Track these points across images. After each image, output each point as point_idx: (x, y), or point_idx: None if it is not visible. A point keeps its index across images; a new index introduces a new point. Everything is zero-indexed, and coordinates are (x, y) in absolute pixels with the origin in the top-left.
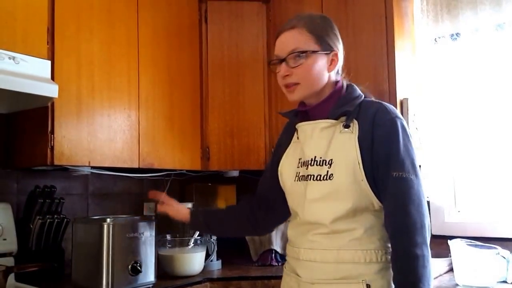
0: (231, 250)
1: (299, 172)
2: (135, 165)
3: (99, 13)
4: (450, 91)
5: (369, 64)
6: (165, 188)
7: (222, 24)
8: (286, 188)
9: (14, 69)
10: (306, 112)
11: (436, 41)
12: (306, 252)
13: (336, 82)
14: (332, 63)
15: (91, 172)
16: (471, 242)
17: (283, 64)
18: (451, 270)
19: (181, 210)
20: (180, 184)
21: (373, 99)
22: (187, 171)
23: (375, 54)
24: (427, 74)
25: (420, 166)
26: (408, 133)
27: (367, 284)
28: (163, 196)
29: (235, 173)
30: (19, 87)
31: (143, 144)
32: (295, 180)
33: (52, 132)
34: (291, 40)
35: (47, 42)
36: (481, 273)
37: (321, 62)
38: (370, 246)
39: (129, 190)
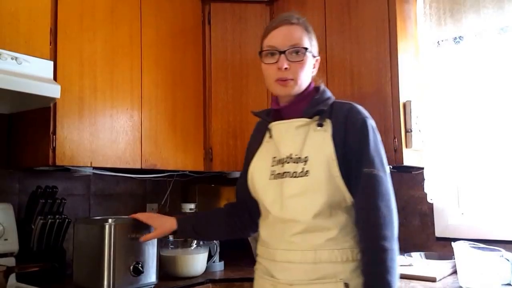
0: (233, 251)
1: (275, 170)
2: (138, 166)
3: (102, 14)
4: (453, 93)
5: (372, 66)
6: (168, 189)
7: (225, 25)
8: (259, 186)
9: (17, 70)
10: (278, 111)
11: (439, 44)
12: (284, 253)
13: (310, 83)
14: (314, 67)
15: (93, 173)
16: (474, 244)
17: (283, 57)
18: (454, 272)
19: (166, 221)
20: (182, 185)
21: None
22: (189, 172)
23: (378, 57)
24: (430, 76)
25: (424, 168)
26: (377, 133)
27: (345, 283)
28: (143, 216)
29: (238, 174)
30: (21, 87)
31: (145, 145)
32: (270, 179)
33: (54, 132)
34: (293, 34)
35: (50, 43)
36: (485, 275)
37: (311, 63)
38: (345, 245)
39: (131, 191)
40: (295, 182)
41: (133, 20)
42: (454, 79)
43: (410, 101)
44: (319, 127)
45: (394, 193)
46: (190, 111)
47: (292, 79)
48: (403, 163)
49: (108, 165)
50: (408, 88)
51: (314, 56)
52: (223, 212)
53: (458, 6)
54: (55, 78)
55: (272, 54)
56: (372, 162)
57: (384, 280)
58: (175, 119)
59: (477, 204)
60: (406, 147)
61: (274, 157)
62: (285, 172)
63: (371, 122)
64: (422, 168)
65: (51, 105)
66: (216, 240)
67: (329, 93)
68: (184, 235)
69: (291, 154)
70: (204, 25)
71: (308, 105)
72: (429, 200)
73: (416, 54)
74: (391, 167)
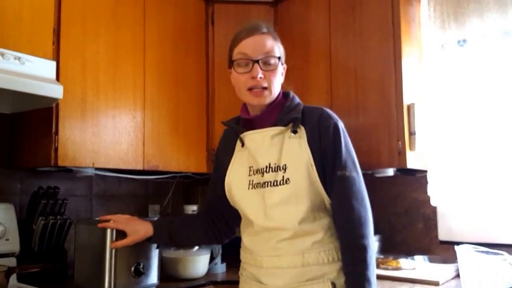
0: (236, 254)
1: (253, 180)
2: (140, 167)
3: (106, 14)
4: (457, 97)
5: (376, 69)
6: (170, 190)
7: (229, 26)
8: (239, 197)
9: (19, 70)
10: (249, 120)
11: (443, 47)
12: (271, 260)
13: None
14: (282, 74)
15: (95, 174)
16: (478, 248)
17: (256, 65)
18: (457, 276)
19: (140, 228)
20: (185, 186)
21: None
22: (192, 173)
23: (382, 60)
24: (434, 79)
25: (427, 171)
26: (347, 135)
27: (332, 282)
28: (115, 217)
29: None
30: (23, 87)
31: (148, 146)
32: (249, 188)
33: (57, 133)
34: (265, 43)
35: (53, 43)
36: (488, 279)
37: (280, 72)
38: (330, 246)
39: (133, 192)
40: (277, 190)
41: (136, 20)
42: (458, 81)
43: (414, 103)
44: (294, 134)
45: (367, 192)
46: (193, 112)
47: (266, 88)
48: (406, 166)
49: (110, 166)
50: (412, 90)
51: (282, 64)
52: (199, 219)
53: (462, 10)
54: (57, 79)
55: (245, 64)
56: (344, 165)
57: (365, 276)
58: (177, 120)
59: (481, 208)
60: (410, 149)
61: (251, 167)
62: (265, 182)
63: (341, 125)
64: (426, 171)
65: (54, 105)
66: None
67: (298, 99)
68: (158, 242)
69: (269, 164)
70: (207, 25)
71: (280, 113)
72: (432, 203)
73: (420, 57)
74: (395, 169)
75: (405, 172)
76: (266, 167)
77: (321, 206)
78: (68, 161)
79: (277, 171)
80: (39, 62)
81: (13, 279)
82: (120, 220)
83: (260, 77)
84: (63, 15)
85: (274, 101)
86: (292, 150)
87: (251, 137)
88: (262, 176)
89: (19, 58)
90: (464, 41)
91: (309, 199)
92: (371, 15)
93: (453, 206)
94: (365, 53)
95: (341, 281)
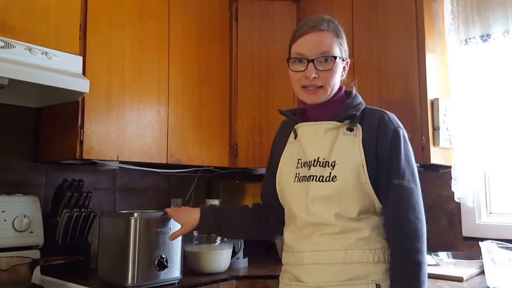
0: (258, 249)
1: (299, 173)
2: (163, 161)
3: (131, 10)
4: (481, 91)
5: (399, 64)
6: (192, 184)
7: (253, 22)
8: (285, 189)
9: (47, 64)
10: (305, 112)
11: (466, 42)
12: (312, 255)
13: (340, 87)
14: (344, 70)
15: (119, 167)
16: (502, 244)
17: (311, 65)
18: (482, 272)
19: (191, 216)
20: (207, 180)
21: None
22: (214, 167)
23: (406, 55)
24: (458, 74)
25: (451, 166)
26: (409, 143)
27: (376, 284)
28: (170, 212)
29: (263, 171)
30: (51, 81)
31: (171, 140)
32: (294, 181)
33: (82, 126)
34: (323, 42)
35: (79, 38)
36: None
37: (340, 68)
38: (377, 245)
39: (156, 186)
40: (321, 186)
41: (161, 16)
42: (482, 76)
43: (438, 98)
44: (349, 132)
45: (424, 205)
46: (216, 107)
47: (321, 86)
48: (430, 161)
49: (135, 160)
50: (436, 85)
51: (343, 60)
52: (250, 209)
53: (485, 4)
54: (84, 73)
55: (300, 61)
56: (402, 174)
57: None
58: (201, 114)
59: (506, 204)
60: (434, 145)
61: (299, 159)
62: (311, 176)
63: (403, 132)
64: (450, 167)
65: (80, 99)
66: (239, 239)
67: (360, 99)
68: (205, 227)
69: (318, 158)
70: (231, 21)
71: (338, 109)
72: (456, 199)
73: (444, 52)
74: (418, 165)
75: (428, 168)
76: (314, 160)
77: (370, 209)
78: (93, 154)
79: (324, 166)
80: (66, 57)
81: (36, 271)
82: (177, 212)
83: (314, 77)
84: (90, 11)
85: (333, 97)
86: (345, 147)
87: (304, 128)
88: (309, 169)
89: (46, 53)
90: (488, 36)
91: (355, 200)
92: (395, 10)
93: (477, 202)
94: (388, 48)
95: (387, 283)
